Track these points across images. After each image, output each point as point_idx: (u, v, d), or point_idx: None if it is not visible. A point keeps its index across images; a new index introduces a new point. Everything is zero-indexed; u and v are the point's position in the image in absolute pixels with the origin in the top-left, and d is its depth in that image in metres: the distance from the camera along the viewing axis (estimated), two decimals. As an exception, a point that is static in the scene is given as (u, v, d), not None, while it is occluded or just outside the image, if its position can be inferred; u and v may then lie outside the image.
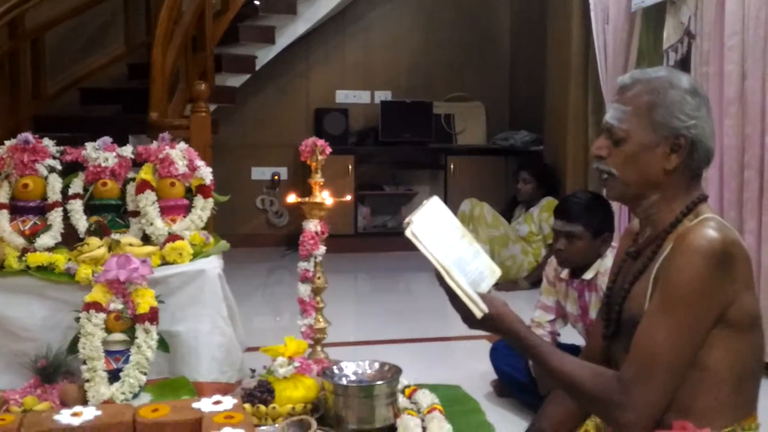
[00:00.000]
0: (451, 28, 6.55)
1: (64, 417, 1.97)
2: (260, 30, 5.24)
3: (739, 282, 1.47)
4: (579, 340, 2.88)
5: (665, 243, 1.54)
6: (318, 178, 3.04)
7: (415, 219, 1.56)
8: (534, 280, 4.60)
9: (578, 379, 1.49)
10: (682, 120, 1.53)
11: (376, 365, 2.80)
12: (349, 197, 3.29)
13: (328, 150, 3.06)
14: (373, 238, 6.10)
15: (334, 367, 2.78)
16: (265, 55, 5.30)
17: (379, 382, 2.62)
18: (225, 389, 2.80)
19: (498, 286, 4.40)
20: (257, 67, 5.26)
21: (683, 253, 1.46)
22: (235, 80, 5.25)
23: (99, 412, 2.00)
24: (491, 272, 1.66)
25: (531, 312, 2.98)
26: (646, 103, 1.55)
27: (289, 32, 5.38)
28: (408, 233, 1.53)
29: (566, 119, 4.99)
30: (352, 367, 2.78)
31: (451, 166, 6.17)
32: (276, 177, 6.27)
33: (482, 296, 1.54)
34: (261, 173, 6.24)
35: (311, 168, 3.05)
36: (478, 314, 1.50)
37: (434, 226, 1.60)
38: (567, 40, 4.98)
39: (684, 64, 3.74)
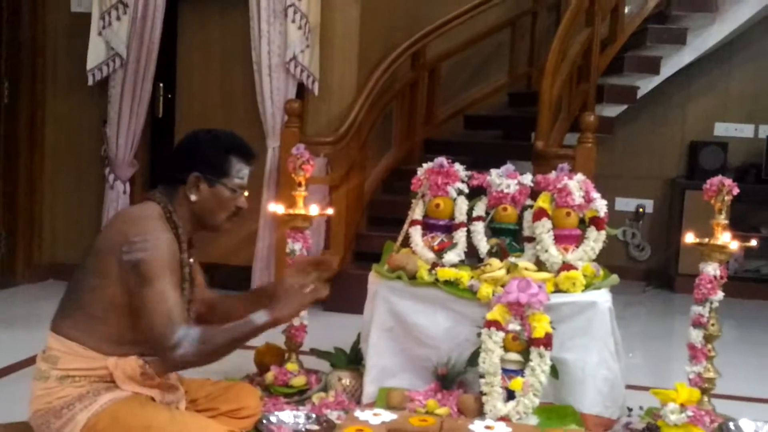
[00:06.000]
0: None
1: (478, 428, 2.12)
2: (646, 60, 5.14)
3: None
4: None
5: None
6: (721, 220, 2.89)
7: None
8: None
9: None
10: None
11: (780, 429, 2.58)
12: (754, 242, 3.06)
13: (736, 191, 2.89)
14: (745, 283, 5.60)
15: (731, 424, 2.62)
16: (646, 86, 5.19)
17: (787, 450, 2.41)
18: (606, 425, 2.79)
19: None
20: (638, 97, 5.17)
21: None
22: (613, 110, 5.22)
23: (509, 429, 2.11)
24: None
25: None
26: None
27: (674, 62, 5.20)
28: None
29: None
30: (751, 427, 2.60)
31: None
32: (641, 209, 6.08)
33: None
34: (625, 204, 6.10)
35: (715, 208, 2.90)
36: None
37: None
38: None
39: None
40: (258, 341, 3.28)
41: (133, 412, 1.89)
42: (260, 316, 1.95)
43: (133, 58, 4.40)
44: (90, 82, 4.46)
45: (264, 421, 2.49)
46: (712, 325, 2.86)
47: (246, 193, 2.11)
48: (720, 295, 2.85)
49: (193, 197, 2.03)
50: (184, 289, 2.02)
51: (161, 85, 4.72)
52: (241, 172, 2.07)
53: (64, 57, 4.78)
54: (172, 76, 4.78)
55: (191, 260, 2.08)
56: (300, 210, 3.06)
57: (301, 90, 4.41)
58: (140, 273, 1.87)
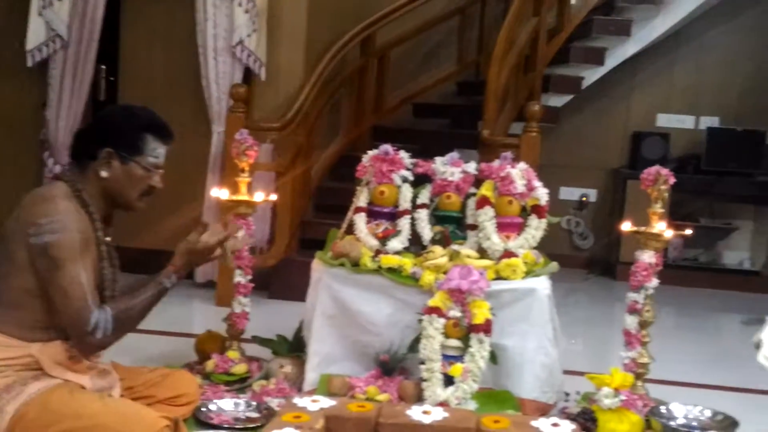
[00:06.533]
0: (796, 52, 5.95)
1: (415, 413, 2.14)
2: (591, 51, 5.21)
3: None
4: None
5: None
6: (658, 209, 2.95)
7: (765, 341, 1.49)
8: None
9: None
10: None
11: (708, 413, 2.66)
12: (689, 231, 3.14)
13: (672, 180, 2.96)
14: (683, 271, 5.75)
15: (662, 408, 2.69)
16: (591, 76, 5.26)
17: (714, 432, 2.49)
18: (543, 409, 2.84)
19: None
20: (582, 88, 5.24)
21: None
22: (558, 100, 5.28)
23: (446, 414, 2.14)
24: None
25: None
26: None
27: (619, 53, 5.28)
28: (761, 359, 1.47)
29: None
30: (681, 410, 2.68)
31: (783, 203, 5.63)
32: (584, 198, 6.18)
33: None
34: (570, 193, 6.19)
35: (651, 198, 2.97)
36: None
37: None
38: None
39: None
40: (199, 329, 3.27)
41: (63, 400, 1.86)
42: (170, 279, 2.01)
43: (75, 39, 4.30)
44: (29, 63, 4.33)
45: (203, 409, 2.48)
46: (647, 311, 2.92)
47: (161, 172, 2.08)
48: (655, 282, 2.92)
49: (103, 173, 1.99)
50: (104, 267, 1.99)
51: (103, 67, 4.61)
52: (156, 151, 2.04)
53: (2, 37, 4.63)
54: (115, 58, 4.68)
55: (108, 239, 2.04)
56: (243, 196, 3.03)
57: (248, 74, 4.36)
58: (50, 256, 1.84)
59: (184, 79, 4.52)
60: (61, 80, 4.35)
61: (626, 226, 3.00)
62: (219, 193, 3.11)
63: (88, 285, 1.88)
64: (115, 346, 1.98)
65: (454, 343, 2.71)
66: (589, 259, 6.13)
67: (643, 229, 2.94)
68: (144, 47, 4.66)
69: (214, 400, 2.59)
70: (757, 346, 1.49)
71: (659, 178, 2.94)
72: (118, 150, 1.99)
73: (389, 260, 2.87)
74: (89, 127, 2.09)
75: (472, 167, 3.15)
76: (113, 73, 4.70)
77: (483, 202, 3.04)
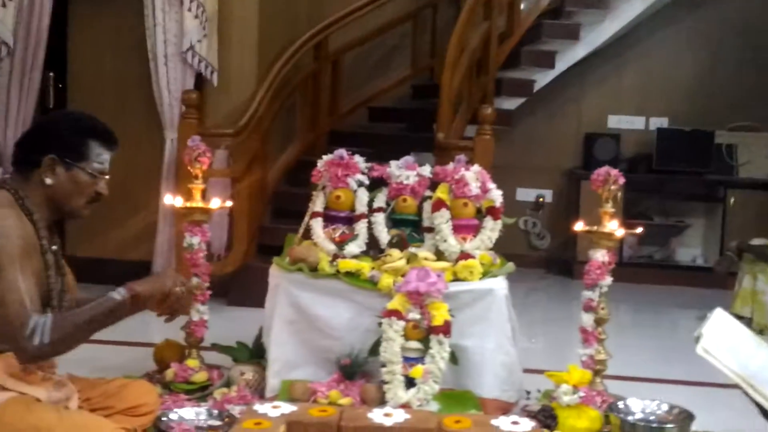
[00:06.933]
0: (739, 53, 6.12)
1: (377, 416, 2.14)
2: (542, 54, 5.29)
3: None
4: None
5: None
6: (609, 209, 3.00)
7: (704, 333, 1.54)
8: None
9: None
10: None
11: (665, 407, 2.71)
12: (639, 229, 3.21)
13: (622, 180, 3.01)
14: (639, 268, 5.87)
15: (620, 403, 2.73)
16: (542, 79, 5.34)
17: (670, 425, 2.54)
18: (504, 408, 2.87)
19: None
20: (534, 91, 5.31)
21: None
22: (511, 103, 5.35)
23: (408, 416, 2.14)
24: None
25: None
26: None
27: (569, 57, 5.37)
28: (699, 350, 1.52)
29: None
30: (639, 405, 2.72)
31: (731, 200, 5.78)
32: (540, 199, 6.26)
33: None
34: (526, 194, 6.26)
35: (602, 198, 3.02)
36: None
37: (725, 339, 1.56)
38: None
39: None
40: (157, 338, 3.22)
41: (18, 414, 1.81)
42: (119, 291, 1.90)
43: (21, 46, 4.21)
44: (-26, 71, 4.24)
45: (163, 419, 2.43)
46: (602, 308, 2.97)
47: (107, 178, 2.03)
48: (608, 280, 2.97)
49: (48, 181, 1.95)
50: (50, 276, 1.94)
51: (51, 74, 4.53)
52: (100, 156, 2.00)
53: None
54: (63, 64, 4.59)
55: (54, 247, 2.00)
56: (197, 203, 3.00)
57: (200, 80, 4.32)
58: None
59: (135, 86, 4.46)
60: (8, 88, 4.25)
61: (579, 226, 3.05)
62: (172, 200, 3.07)
63: (27, 291, 1.82)
64: (71, 356, 1.93)
65: (414, 345, 2.71)
66: (546, 258, 6.21)
67: (595, 228, 2.99)
68: (93, 53, 4.58)
69: (175, 410, 2.54)
70: (697, 339, 1.54)
71: (609, 179, 2.99)
72: (62, 156, 1.95)
73: (347, 264, 2.87)
74: (31, 134, 2.04)
75: (427, 170, 3.17)
76: (62, 80, 4.61)
77: (438, 204, 3.06)
